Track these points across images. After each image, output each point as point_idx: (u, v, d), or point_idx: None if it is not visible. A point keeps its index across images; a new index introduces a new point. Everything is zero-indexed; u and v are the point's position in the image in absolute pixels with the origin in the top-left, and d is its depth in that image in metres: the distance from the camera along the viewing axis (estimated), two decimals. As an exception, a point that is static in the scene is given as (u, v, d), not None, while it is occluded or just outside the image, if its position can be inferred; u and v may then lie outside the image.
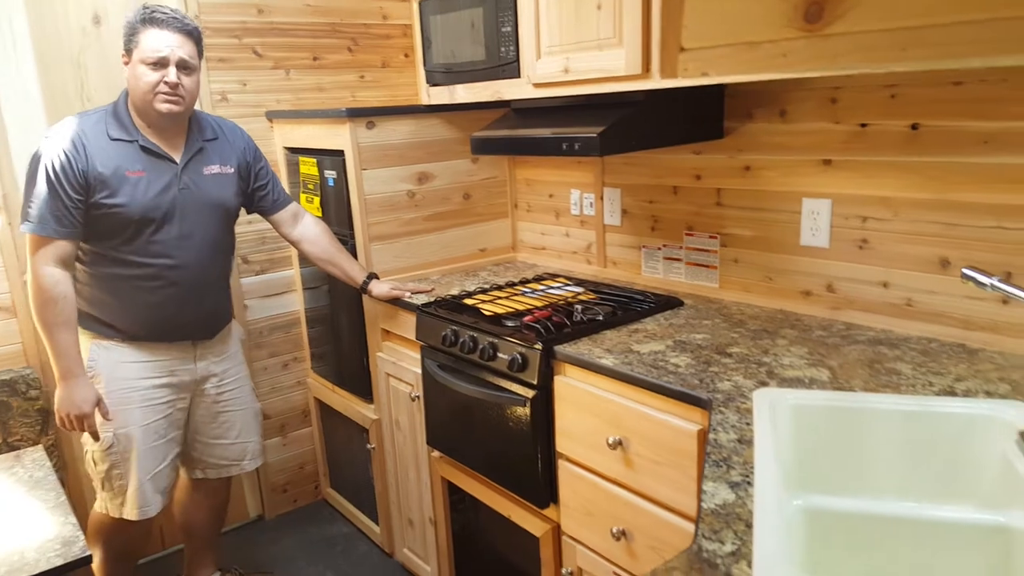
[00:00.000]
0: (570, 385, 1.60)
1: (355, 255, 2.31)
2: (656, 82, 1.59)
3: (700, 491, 0.98)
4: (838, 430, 1.22)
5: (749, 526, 0.88)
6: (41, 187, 1.70)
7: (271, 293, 2.68)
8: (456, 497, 2.11)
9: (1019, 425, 1.08)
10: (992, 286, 1.01)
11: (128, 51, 1.75)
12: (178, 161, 1.85)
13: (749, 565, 0.81)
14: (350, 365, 2.48)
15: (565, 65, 1.78)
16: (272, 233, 2.65)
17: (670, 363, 1.49)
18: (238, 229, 2.57)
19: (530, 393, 1.68)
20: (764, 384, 1.34)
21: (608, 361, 1.52)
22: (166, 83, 1.74)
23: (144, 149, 1.80)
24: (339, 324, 2.49)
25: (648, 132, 1.78)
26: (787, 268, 1.81)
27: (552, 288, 2.12)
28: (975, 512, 1.06)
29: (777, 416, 1.21)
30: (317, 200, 2.42)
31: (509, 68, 1.94)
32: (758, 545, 0.84)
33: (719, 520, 0.91)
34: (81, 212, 1.74)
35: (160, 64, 1.73)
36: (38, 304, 1.74)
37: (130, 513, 1.92)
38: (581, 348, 1.62)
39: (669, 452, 1.38)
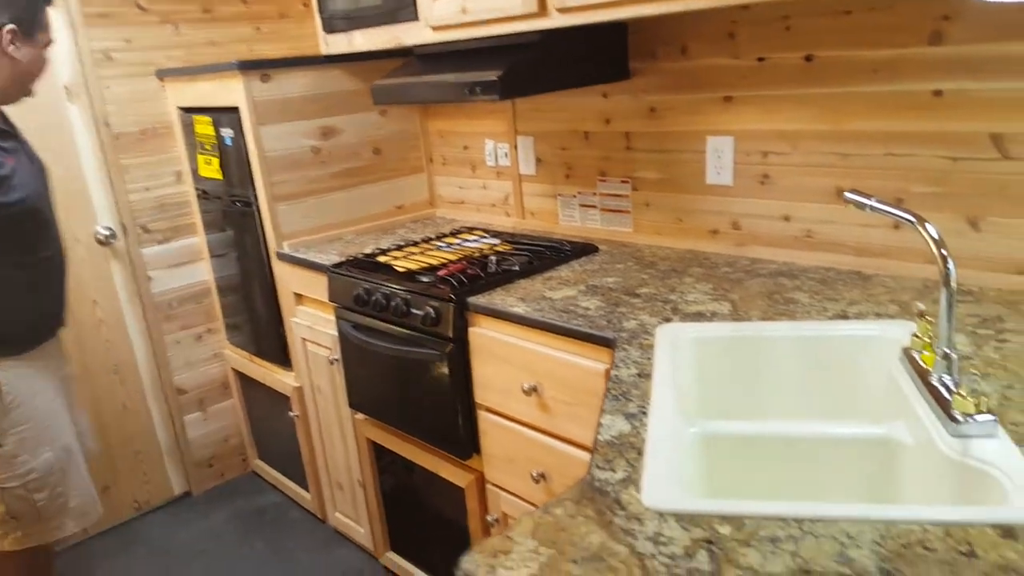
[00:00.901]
0: (485, 336, 1.58)
1: (259, 218, 2.22)
2: (554, 20, 1.55)
3: (598, 425, 0.98)
4: (737, 359, 1.25)
5: (641, 453, 0.89)
6: None
7: (177, 263, 2.55)
8: (385, 459, 2.08)
9: (904, 342, 1.12)
10: (871, 207, 1.03)
11: (32, 31, 1.52)
12: (21, 139, 1.65)
13: (638, 490, 0.81)
14: (266, 333, 2.39)
15: (462, 5, 1.71)
16: (172, 199, 2.52)
17: (580, 307, 1.48)
18: (135, 196, 2.45)
19: (446, 347, 1.66)
20: (668, 320, 1.35)
21: (520, 309, 1.51)
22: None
23: (2, 132, 1.59)
24: (251, 291, 2.40)
25: (552, 73, 1.74)
26: (695, 208, 1.82)
27: (468, 241, 2.09)
28: (864, 427, 1.10)
29: (678, 350, 1.22)
30: (216, 161, 2.29)
31: (407, 11, 1.86)
32: (647, 468, 0.84)
33: (613, 450, 0.91)
34: None
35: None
36: None
37: (77, 524, 1.75)
38: (495, 299, 1.60)
39: (579, 393, 1.39)
